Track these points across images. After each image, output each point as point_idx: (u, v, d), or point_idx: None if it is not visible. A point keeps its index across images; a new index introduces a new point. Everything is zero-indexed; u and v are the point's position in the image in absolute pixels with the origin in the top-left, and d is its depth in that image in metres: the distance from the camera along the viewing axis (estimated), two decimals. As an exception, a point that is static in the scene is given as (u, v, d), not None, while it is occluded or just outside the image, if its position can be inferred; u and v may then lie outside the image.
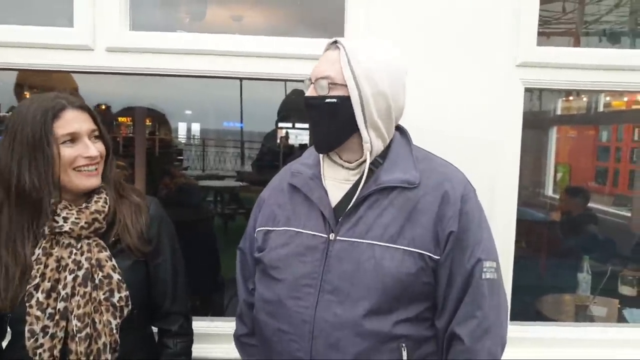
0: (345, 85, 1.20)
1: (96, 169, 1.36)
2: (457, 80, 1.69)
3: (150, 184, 3.13)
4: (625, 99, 5.38)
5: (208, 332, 1.76)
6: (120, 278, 1.34)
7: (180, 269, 1.50)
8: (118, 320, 1.33)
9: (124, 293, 1.33)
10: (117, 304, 1.32)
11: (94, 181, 1.36)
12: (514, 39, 1.69)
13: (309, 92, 1.24)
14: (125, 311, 1.34)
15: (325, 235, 1.23)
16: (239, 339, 1.45)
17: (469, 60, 1.69)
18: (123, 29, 1.70)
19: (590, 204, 4.36)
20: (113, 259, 1.35)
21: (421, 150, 1.33)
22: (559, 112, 5.97)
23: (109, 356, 1.32)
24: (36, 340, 1.28)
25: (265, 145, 4.66)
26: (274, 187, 1.40)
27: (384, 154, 1.27)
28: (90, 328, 1.30)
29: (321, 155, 1.31)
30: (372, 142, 1.24)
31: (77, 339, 1.29)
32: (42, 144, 1.27)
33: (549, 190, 5.66)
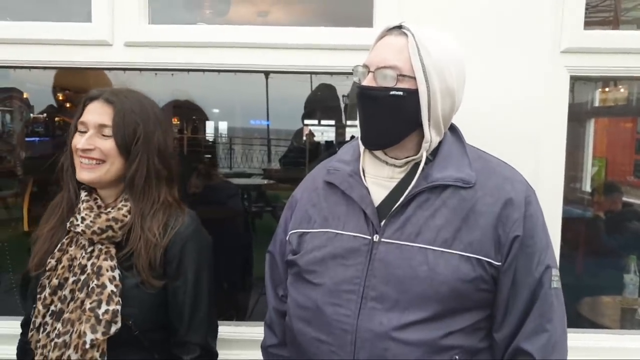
0: (413, 78, 1.09)
1: (90, 164, 1.29)
2: (496, 69, 1.57)
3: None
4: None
5: (233, 337, 1.68)
6: (114, 290, 1.23)
7: (204, 296, 1.36)
8: (99, 335, 1.20)
9: (113, 307, 1.22)
10: (102, 317, 1.21)
11: (85, 175, 1.29)
12: (558, 21, 1.55)
13: (367, 81, 1.12)
14: (112, 328, 1.22)
15: (369, 237, 1.12)
16: (267, 350, 1.35)
17: (510, 45, 1.56)
18: (142, 23, 1.64)
19: (630, 199, 4.15)
20: (116, 270, 1.26)
21: (474, 149, 1.22)
22: (596, 103, 5.74)
23: None
24: (38, 333, 1.27)
25: (293, 142, 4.60)
26: (306, 187, 1.30)
27: (434, 151, 1.17)
28: (68, 336, 1.22)
29: (362, 151, 1.20)
30: (431, 140, 1.14)
31: (52, 343, 1.23)
32: (72, 128, 1.34)
33: (587, 186, 5.44)
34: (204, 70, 1.72)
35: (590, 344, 1.69)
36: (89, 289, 1.24)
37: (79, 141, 1.29)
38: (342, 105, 3.57)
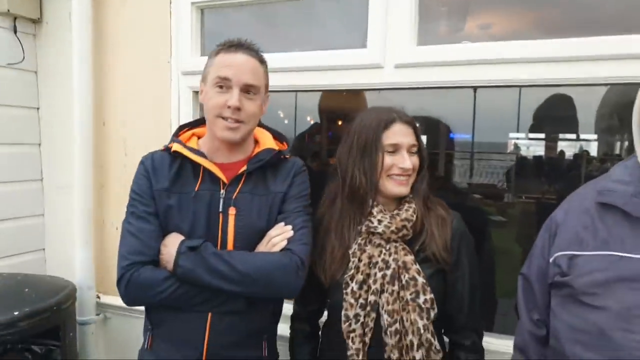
0: None
1: (406, 179, 1.46)
2: None
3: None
4: None
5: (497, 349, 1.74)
6: (424, 281, 1.40)
7: (477, 285, 1.49)
8: (425, 321, 1.38)
9: (429, 296, 1.39)
10: (423, 306, 1.38)
11: (403, 189, 1.46)
12: None
13: None
14: (432, 313, 1.39)
15: None
16: None
17: None
18: (411, 45, 1.80)
19: None
20: (417, 264, 1.42)
21: None
22: None
23: (418, 354, 1.38)
24: (349, 325, 1.42)
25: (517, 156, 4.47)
26: (572, 209, 1.27)
27: None
28: (399, 324, 1.39)
29: None
30: None
31: (388, 332, 1.39)
32: (371, 149, 1.44)
33: None
34: (471, 87, 1.81)
35: None
36: (403, 282, 1.40)
37: (396, 161, 1.44)
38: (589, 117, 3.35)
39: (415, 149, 1.47)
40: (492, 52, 1.71)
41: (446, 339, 1.54)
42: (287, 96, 2.44)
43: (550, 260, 1.25)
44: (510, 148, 5.70)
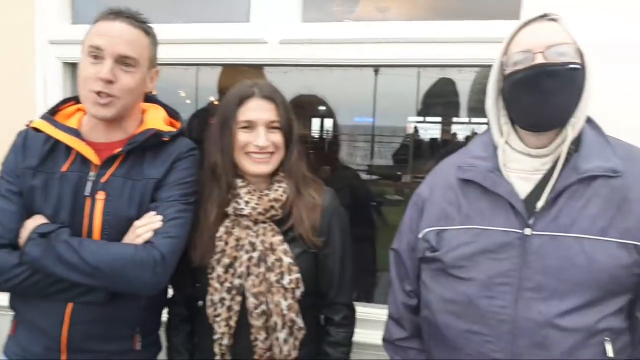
0: (581, 55, 1.14)
1: (267, 158, 1.40)
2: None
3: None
4: None
5: (373, 318, 1.75)
6: (291, 262, 1.38)
7: (348, 261, 1.50)
8: (290, 301, 1.38)
9: (295, 276, 1.38)
10: (288, 286, 1.37)
11: (262, 168, 1.40)
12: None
13: (538, 62, 1.13)
14: (297, 293, 1.38)
15: (520, 231, 1.14)
16: (395, 343, 1.40)
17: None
18: (296, 21, 1.74)
19: None
20: (285, 244, 1.40)
21: (613, 137, 1.21)
22: None
23: (282, 334, 1.38)
24: (215, 309, 1.39)
25: (405, 139, 4.60)
26: (435, 185, 1.33)
27: (575, 141, 1.17)
28: (265, 306, 1.38)
29: (501, 145, 1.22)
30: (578, 123, 1.17)
31: (253, 314, 1.38)
32: (227, 127, 1.39)
33: None
34: (335, 66, 1.80)
35: None
36: (268, 263, 1.38)
37: (250, 138, 1.38)
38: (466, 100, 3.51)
39: (276, 125, 1.40)
40: (378, 32, 1.70)
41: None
42: (188, 74, 2.32)
43: (420, 236, 1.31)
44: (410, 131, 5.90)
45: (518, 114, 1.19)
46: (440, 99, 3.39)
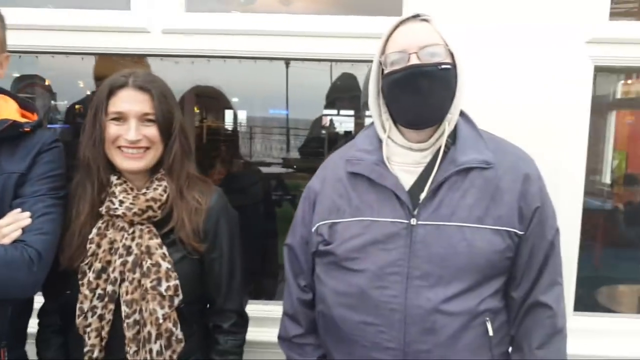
0: (451, 54, 1.20)
1: (139, 153, 1.31)
2: (520, 60, 1.62)
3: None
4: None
5: (263, 315, 1.75)
6: (169, 267, 1.30)
7: (237, 265, 1.43)
8: (166, 309, 1.29)
9: (173, 282, 1.30)
10: (165, 293, 1.29)
11: (133, 164, 1.31)
12: (583, 12, 1.59)
13: (412, 62, 1.17)
14: (176, 301, 1.30)
15: (406, 221, 1.20)
16: (292, 340, 1.39)
17: (534, 36, 1.61)
18: (180, 11, 1.71)
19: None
20: (164, 247, 1.32)
21: (484, 131, 1.30)
22: (618, 95, 5.69)
23: (156, 346, 1.29)
24: (85, 318, 1.30)
25: (312, 131, 4.64)
26: (326, 178, 1.35)
27: (452, 135, 1.25)
28: (138, 315, 1.30)
29: (384, 140, 1.26)
30: (453, 118, 1.23)
31: (126, 324, 1.29)
32: (97, 119, 1.31)
33: (607, 178, 5.41)
34: (237, 57, 1.77)
35: (606, 327, 1.77)
36: (144, 268, 1.29)
37: (121, 132, 1.29)
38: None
39: (150, 118, 1.31)
40: (263, 24, 1.70)
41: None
42: (87, 65, 2.20)
43: (313, 229, 1.32)
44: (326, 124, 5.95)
45: (397, 112, 1.24)
46: (344, 94, 3.46)
